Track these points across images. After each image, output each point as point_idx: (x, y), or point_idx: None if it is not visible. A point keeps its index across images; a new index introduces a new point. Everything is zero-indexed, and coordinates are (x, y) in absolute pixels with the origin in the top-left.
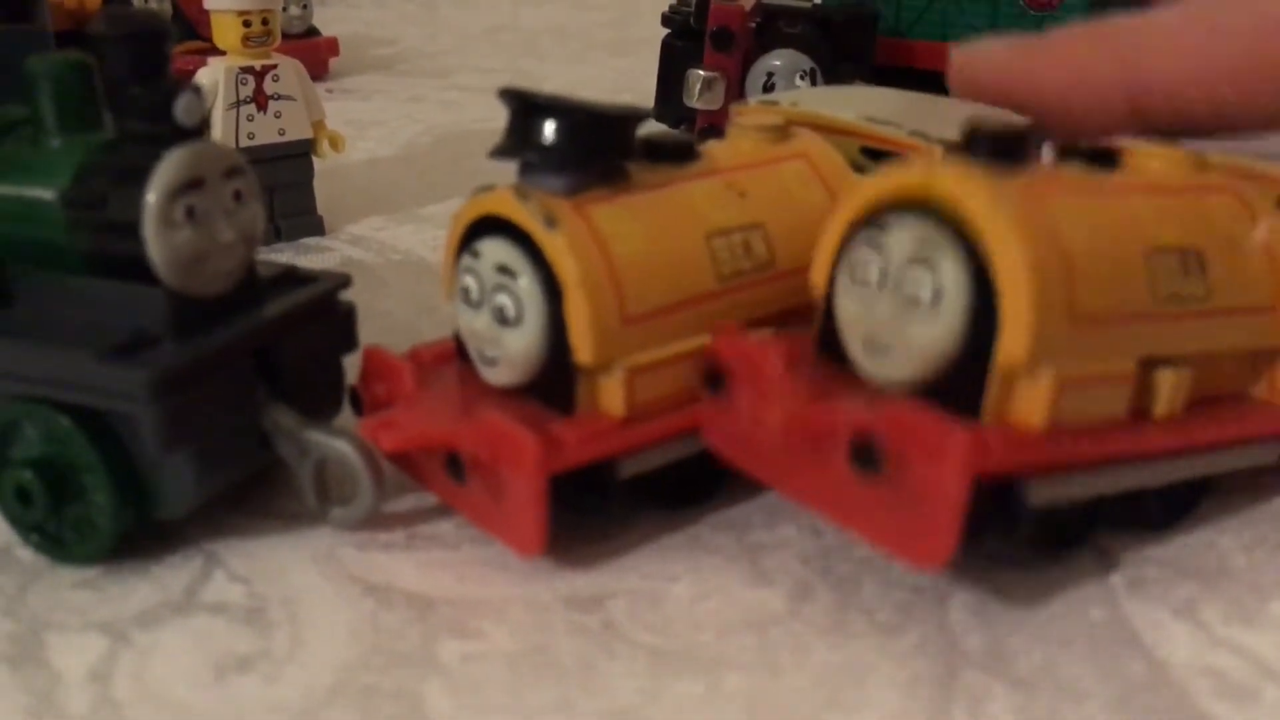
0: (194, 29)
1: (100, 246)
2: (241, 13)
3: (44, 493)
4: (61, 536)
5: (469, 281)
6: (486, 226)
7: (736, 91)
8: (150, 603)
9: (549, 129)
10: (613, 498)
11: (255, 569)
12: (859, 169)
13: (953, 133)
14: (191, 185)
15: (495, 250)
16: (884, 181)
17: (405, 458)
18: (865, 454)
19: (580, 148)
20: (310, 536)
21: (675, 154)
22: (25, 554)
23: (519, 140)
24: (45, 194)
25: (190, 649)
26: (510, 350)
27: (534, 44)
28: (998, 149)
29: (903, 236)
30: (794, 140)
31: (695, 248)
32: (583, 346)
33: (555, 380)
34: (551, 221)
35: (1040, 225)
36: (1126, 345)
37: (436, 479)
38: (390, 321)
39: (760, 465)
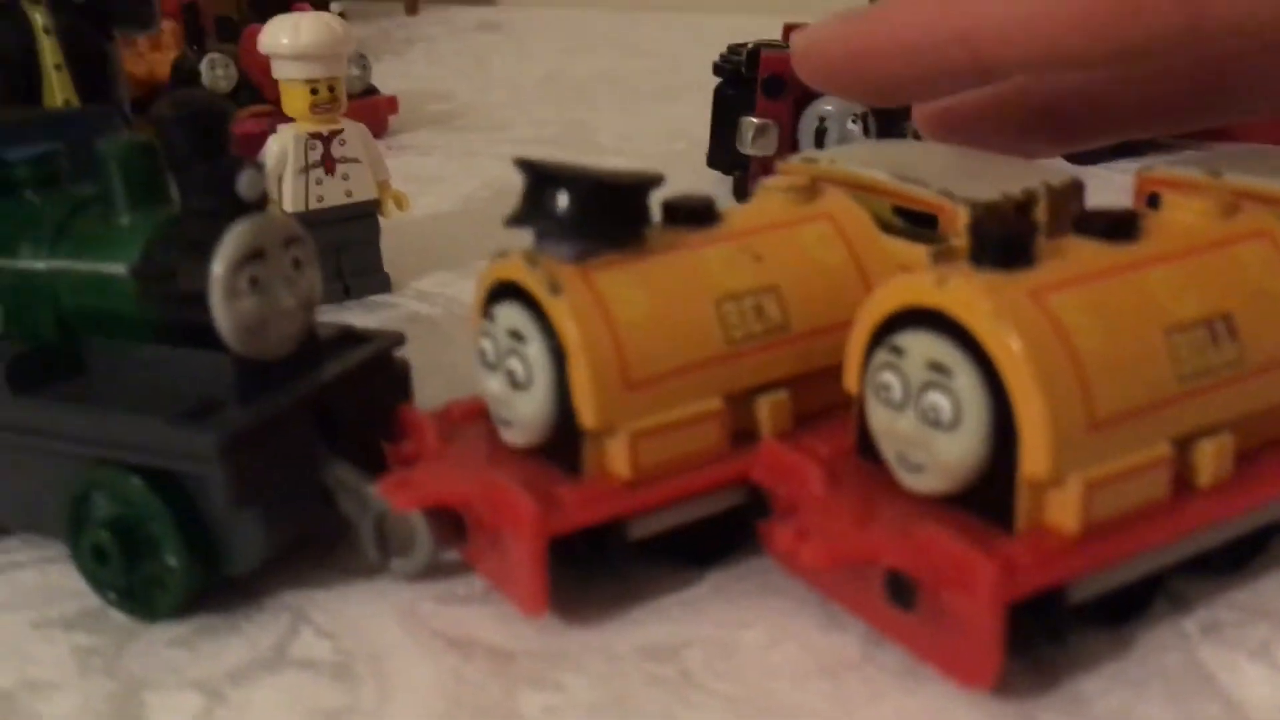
0: (259, 92)
1: (169, 316)
2: (309, 81)
3: (119, 552)
4: (137, 593)
5: (486, 344)
6: (503, 292)
7: (789, 137)
8: (242, 660)
9: (559, 198)
10: (621, 558)
11: (340, 625)
12: (890, 228)
13: (983, 191)
14: (254, 256)
15: (508, 315)
16: (897, 291)
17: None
18: (900, 590)
19: (589, 216)
20: (391, 591)
21: (694, 217)
22: (119, 615)
23: (532, 209)
24: (116, 268)
25: (282, 705)
26: (521, 413)
27: (585, 93)
28: (1004, 253)
29: (918, 357)
30: (820, 200)
31: (703, 311)
32: (585, 410)
33: (564, 442)
34: (556, 288)
35: (1050, 335)
36: (1155, 432)
37: (452, 538)
38: (455, 375)
39: (815, 581)
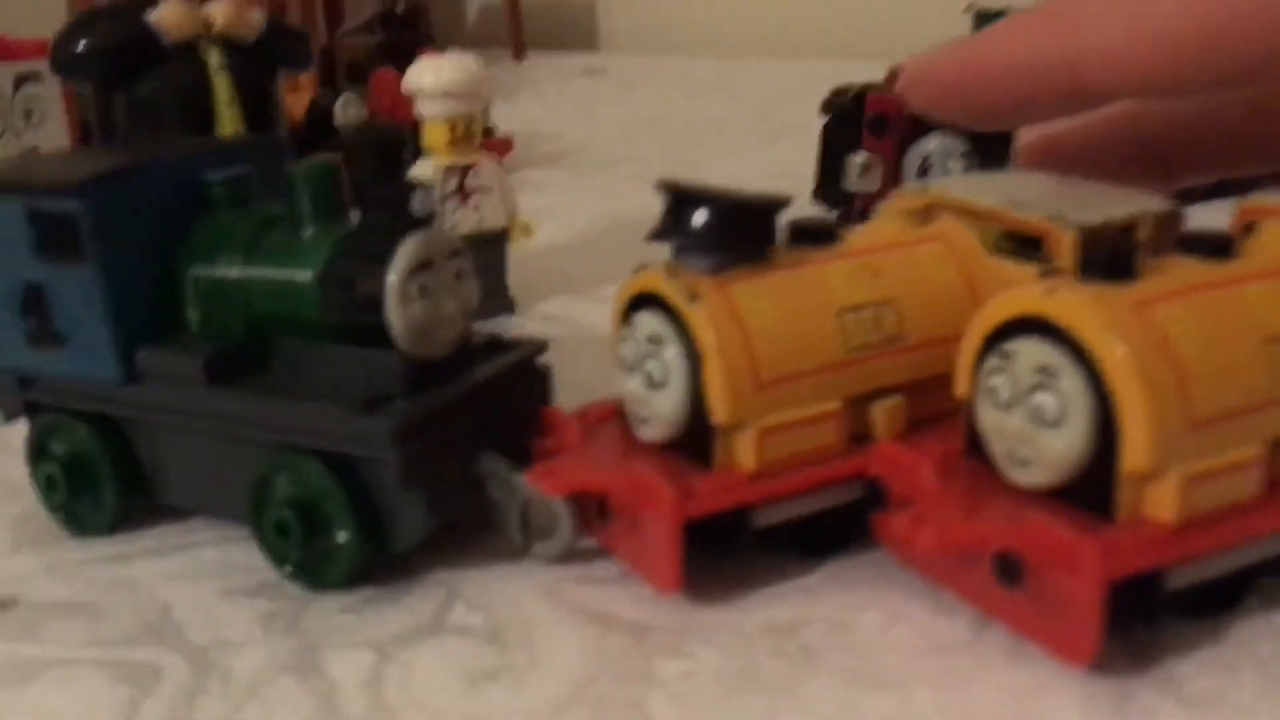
0: None
1: (347, 318)
2: (449, 118)
3: (299, 527)
4: (310, 566)
5: (625, 349)
6: (642, 301)
7: (894, 174)
8: (405, 626)
9: (697, 216)
10: (746, 544)
11: (490, 600)
12: (1001, 251)
13: (1090, 216)
14: (423, 266)
15: (647, 322)
16: (1008, 303)
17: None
18: (1008, 569)
19: (724, 232)
20: (534, 573)
21: (817, 237)
22: (293, 587)
23: (671, 225)
24: (303, 275)
25: (444, 663)
26: (658, 410)
27: (689, 134)
28: (1109, 267)
29: (1027, 361)
30: (934, 224)
31: (826, 322)
32: (718, 407)
33: (696, 438)
34: (694, 297)
35: (1152, 341)
36: (1251, 433)
37: (594, 522)
38: (582, 388)
39: (927, 570)
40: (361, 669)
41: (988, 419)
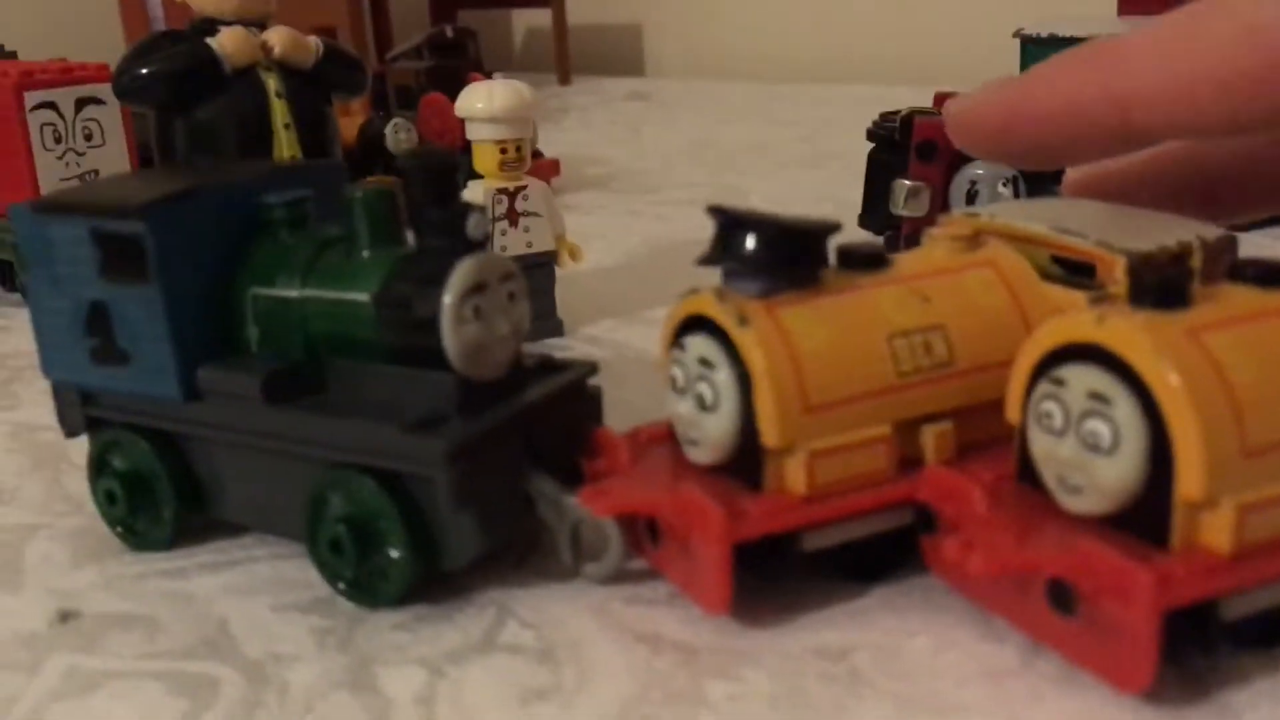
0: None
1: (402, 339)
2: (499, 141)
3: (352, 544)
4: (363, 583)
5: (676, 371)
6: (693, 324)
7: (940, 199)
8: (457, 644)
9: (748, 240)
10: (794, 568)
11: (540, 619)
12: (1049, 276)
13: (1141, 243)
14: (478, 288)
15: (698, 345)
16: (1060, 329)
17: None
18: (1061, 597)
19: (774, 257)
20: (584, 593)
21: (867, 262)
22: (346, 603)
23: (722, 250)
24: (360, 297)
25: (496, 681)
26: (708, 433)
27: (733, 160)
28: (1161, 294)
29: (1079, 388)
30: (983, 249)
31: (876, 346)
32: (768, 430)
33: (746, 460)
34: (744, 320)
35: (1206, 369)
36: None
37: (643, 543)
38: (630, 410)
39: (977, 595)
40: (415, 685)
41: (1039, 445)
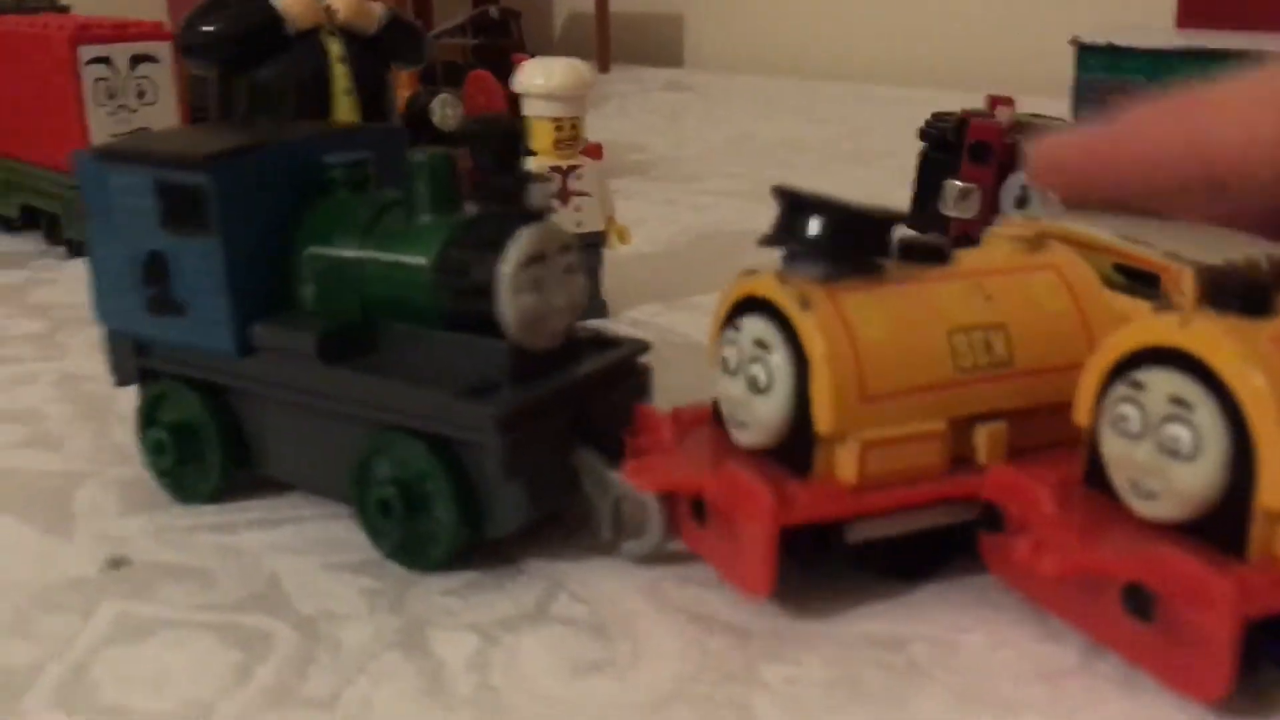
0: None
1: (459, 305)
2: (555, 119)
3: (401, 506)
4: (410, 545)
5: (729, 352)
6: (749, 305)
7: (991, 202)
8: (509, 612)
9: (813, 223)
10: (835, 559)
11: (593, 594)
12: (1112, 285)
13: (1206, 255)
14: (537, 258)
15: (754, 326)
16: (1139, 332)
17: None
18: (1138, 602)
19: (839, 242)
20: (634, 572)
21: (929, 255)
22: (395, 566)
23: (786, 231)
24: (418, 260)
25: (549, 650)
26: (759, 415)
27: (773, 155)
28: (1245, 302)
29: (1159, 392)
30: (1046, 252)
31: (936, 340)
32: (823, 416)
33: (796, 446)
34: (805, 304)
35: None
36: None
37: (684, 523)
38: (672, 394)
39: (1039, 596)
40: (467, 651)
41: (1113, 448)
